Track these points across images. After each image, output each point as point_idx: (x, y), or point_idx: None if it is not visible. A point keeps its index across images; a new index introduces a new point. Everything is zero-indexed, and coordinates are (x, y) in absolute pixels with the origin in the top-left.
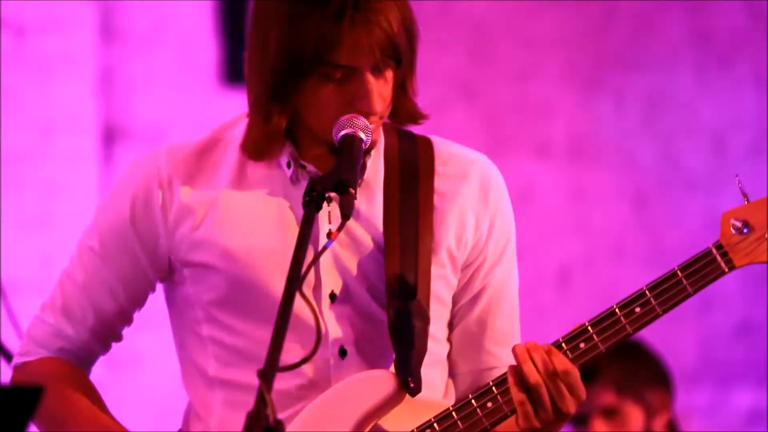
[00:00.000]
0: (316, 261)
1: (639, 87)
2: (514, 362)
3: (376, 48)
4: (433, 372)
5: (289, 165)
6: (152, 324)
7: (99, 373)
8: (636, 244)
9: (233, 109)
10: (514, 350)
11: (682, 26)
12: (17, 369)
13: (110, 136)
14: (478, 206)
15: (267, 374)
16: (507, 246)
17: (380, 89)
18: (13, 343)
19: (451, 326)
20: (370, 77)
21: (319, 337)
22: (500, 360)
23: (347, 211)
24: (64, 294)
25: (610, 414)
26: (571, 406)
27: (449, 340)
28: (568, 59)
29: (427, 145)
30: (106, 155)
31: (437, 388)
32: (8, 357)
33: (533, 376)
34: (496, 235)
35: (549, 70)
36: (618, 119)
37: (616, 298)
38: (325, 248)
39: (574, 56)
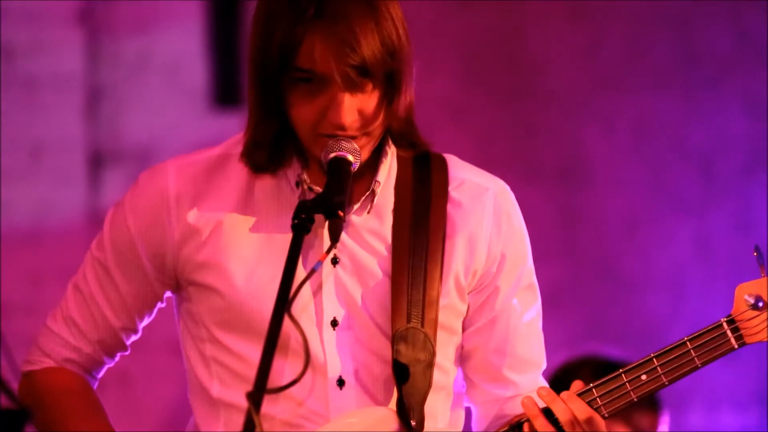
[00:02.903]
0: (304, 283)
1: (628, 109)
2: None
3: (331, 57)
4: (435, 397)
5: (298, 185)
6: (145, 347)
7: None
8: (625, 267)
9: (223, 131)
10: (523, 404)
11: (671, 49)
12: (23, 376)
13: (99, 158)
14: (490, 235)
15: (255, 396)
16: (522, 274)
17: (359, 103)
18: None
19: (465, 353)
20: (338, 87)
21: (307, 359)
22: (520, 388)
23: (335, 235)
24: (71, 304)
25: None
26: None
27: (468, 374)
28: (557, 81)
29: (441, 166)
30: (95, 177)
31: (439, 414)
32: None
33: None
34: (509, 263)
35: (538, 92)
36: (607, 141)
37: (605, 320)
38: (314, 270)
39: (563, 78)
